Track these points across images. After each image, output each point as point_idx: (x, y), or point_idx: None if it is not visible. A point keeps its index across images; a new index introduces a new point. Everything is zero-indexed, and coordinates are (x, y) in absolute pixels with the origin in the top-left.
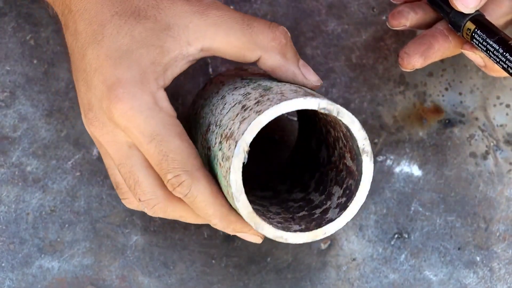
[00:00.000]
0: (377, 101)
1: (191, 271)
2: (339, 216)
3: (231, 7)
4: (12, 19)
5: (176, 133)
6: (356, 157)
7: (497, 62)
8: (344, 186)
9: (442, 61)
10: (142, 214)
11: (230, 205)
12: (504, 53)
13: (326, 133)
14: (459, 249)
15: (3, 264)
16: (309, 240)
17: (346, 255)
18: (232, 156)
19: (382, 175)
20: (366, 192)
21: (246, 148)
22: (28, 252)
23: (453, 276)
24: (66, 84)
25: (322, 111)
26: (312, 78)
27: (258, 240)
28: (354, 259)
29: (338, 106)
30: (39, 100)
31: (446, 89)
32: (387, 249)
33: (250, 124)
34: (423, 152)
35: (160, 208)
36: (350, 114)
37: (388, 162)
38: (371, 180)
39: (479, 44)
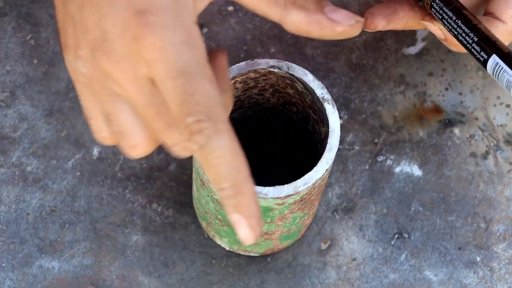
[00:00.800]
0: (377, 101)
1: (191, 271)
2: (315, 165)
3: (230, 8)
4: (12, 19)
5: (207, 76)
6: (319, 109)
7: (450, 30)
8: (320, 140)
9: (442, 60)
10: (143, 214)
11: (247, 175)
12: (456, 20)
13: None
14: (459, 249)
15: (3, 264)
16: (290, 192)
17: (346, 255)
18: None
19: (382, 175)
20: (338, 138)
21: None
22: (28, 252)
23: (453, 276)
24: (66, 84)
25: (271, 69)
26: (343, 19)
27: (252, 231)
28: (354, 259)
29: (287, 62)
30: (39, 100)
31: (446, 89)
32: (387, 249)
33: None
34: (423, 152)
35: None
36: (300, 67)
37: (388, 162)
38: (339, 126)
39: (437, 13)
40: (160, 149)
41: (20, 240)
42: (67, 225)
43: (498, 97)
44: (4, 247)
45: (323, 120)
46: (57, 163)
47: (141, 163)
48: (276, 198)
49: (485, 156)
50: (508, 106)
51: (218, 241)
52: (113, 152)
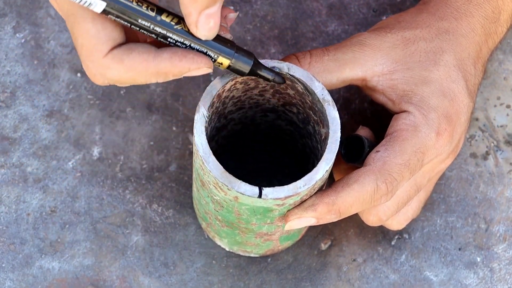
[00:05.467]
0: None
1: (191, 272)
2: (315, 166)
3: (231, 7)
4: (12, 19)
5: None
6: (320, 110)
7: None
8: (321, 140)
9: None
10: (143, 215)
11: None
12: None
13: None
14: (459, 249)
15: (3, 265)
16: (290, 193)
17: (346, 256)
18: (194, 123)
19: None
20: (338, 139)
21: (205, 112)
22: (29, 252)
23: (454, 277)
24: (66, 85)
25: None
26: (202, 31)
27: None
28: (354, 260)
29: (287, 63)
30: (39, 100)
31: None
32: (388, 249)
33: (205, 91)
34: None
35: None
36: (301, 68)
37: None
38: (339, 126)
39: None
40: (161, 150)
41: (20, 240)
42: (67, 226)
43: (498, 98)
44: (4, 247)
45: (324, 121)
46: (57, 163)
47: (141, 164)
48: (276, 199)
49: (485, 156)
50: (508, 106)
51: (218, 242)
52: (113, 152)
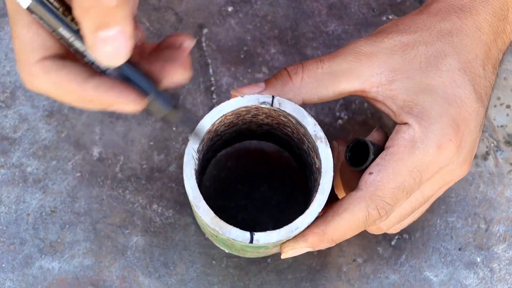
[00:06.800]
0: None
1: (191, 272)
2: (307, 208)
3: (230, 8)
4: None
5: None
6: (312, 144)
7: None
8: (315, 166)
9: None
10: (143, 215)
11: None
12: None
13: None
14: (459, 249)
15: (3, 265)
16: (283, 238)
17: (346, 256)
18: (184, 165)
19: None
20: (331, 179)
21: (195, 154)
22: (29, 252)
23: (454, 277)
24: None
25: (263, 105)
26: (101, 57)
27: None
28: (354, 260)
29: (279, 97)
30: (39, 100)
31: None
32: (388, 249)
33: (194, 131)
34: None
35: None
36: (292, 103)
37: None
38: (332, 165)
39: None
40: (161, 150)
41: (20, 240)
42: (67, 226)
43: (499, 98)
44: (4, 247)
45: (317, 154)
46: (57, 163)
47: (141, 164)
48: (268, 243)
49: (485, 157)
50: (508, 106)
51: (217, 245)
52: (113, 152)
